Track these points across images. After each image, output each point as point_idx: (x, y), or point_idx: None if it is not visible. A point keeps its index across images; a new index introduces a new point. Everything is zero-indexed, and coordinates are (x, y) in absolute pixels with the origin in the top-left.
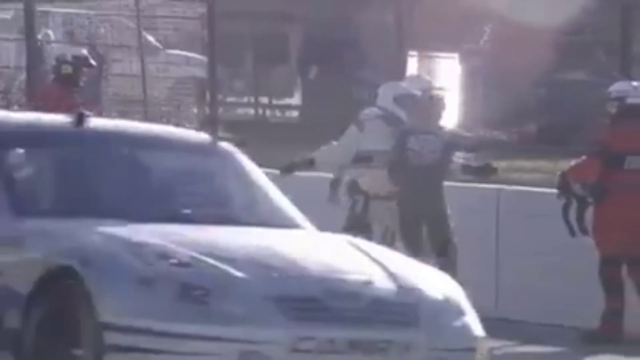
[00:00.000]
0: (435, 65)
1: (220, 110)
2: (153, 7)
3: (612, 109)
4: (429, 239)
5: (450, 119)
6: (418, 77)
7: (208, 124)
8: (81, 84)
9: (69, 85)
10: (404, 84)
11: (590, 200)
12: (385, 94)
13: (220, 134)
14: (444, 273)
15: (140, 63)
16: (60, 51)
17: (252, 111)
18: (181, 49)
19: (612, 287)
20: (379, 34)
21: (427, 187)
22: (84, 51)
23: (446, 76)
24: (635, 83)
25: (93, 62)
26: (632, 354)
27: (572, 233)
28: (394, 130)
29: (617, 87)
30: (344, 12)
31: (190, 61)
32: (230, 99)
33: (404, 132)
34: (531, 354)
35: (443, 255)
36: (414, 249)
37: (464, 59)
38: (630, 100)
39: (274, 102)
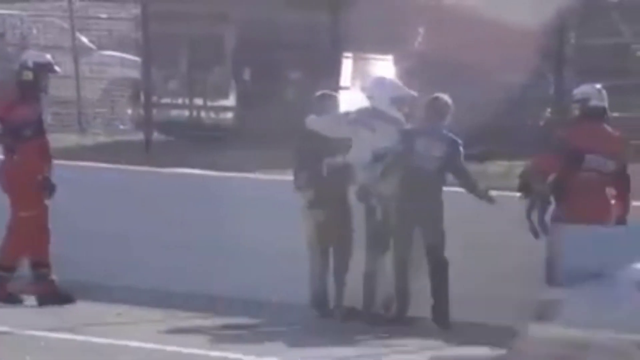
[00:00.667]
0: (370, 67)
1: (155, 111)
2: (86, 8)
3: (576, 111)
4: (423, 244)
5: None
6: (389, 80)
7: (143, 125)
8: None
9: (29, 91)
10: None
11: (551, 199)
12: (381, 94)
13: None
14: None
15: (73, 64)
16: (25, 56)
17: (186, 112)
18: (115, 50)
19: None
20: (314, 36)
21: (427, 191)
22: (48, 56)
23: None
24: (598, 86)
25: (57, 68)
26: None
27: (536, 235)
28: (399, 128)
29: (581, 90)
30: (279, 14)
31: (124, 62)
32: (164, 100)
33: (410, 132)
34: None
35: (436, 276)
36: (404, 252)
37: (398, 61)
38: (592, 103)
39: (209, 103)
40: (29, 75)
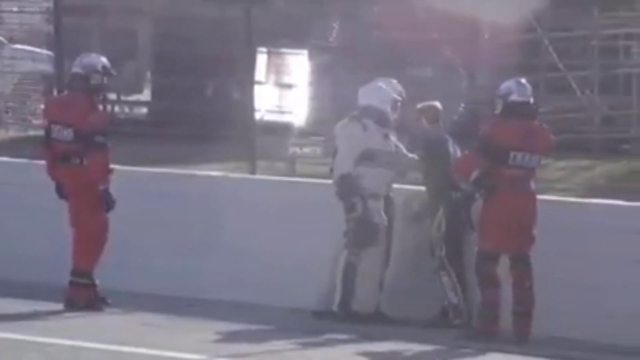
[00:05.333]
0: (285, 62)
1: None
2: None
3: (499, 107)
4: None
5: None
6: (391, 82)
7: None
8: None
9: (99, 95)
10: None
11: (477, 196)
12: (387, 96)
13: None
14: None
15: None
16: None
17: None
18: (27, 44)
19: (489, 283)
20: (228, 31)
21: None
22: (104, 59)
23: (295, 72)
24: (523, 80)
25: (113, 71)
26: (509, 350)
27: (472, 229)
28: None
29: (504, 85)
30: (193, 8)
31: (37, 56)
32: None
33: (442, 137)
34: (409, 351)
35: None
36: (459, 255)
37: (312, 56)
38: (514, 98)
39: (123, 98)
40: (98, 79)
